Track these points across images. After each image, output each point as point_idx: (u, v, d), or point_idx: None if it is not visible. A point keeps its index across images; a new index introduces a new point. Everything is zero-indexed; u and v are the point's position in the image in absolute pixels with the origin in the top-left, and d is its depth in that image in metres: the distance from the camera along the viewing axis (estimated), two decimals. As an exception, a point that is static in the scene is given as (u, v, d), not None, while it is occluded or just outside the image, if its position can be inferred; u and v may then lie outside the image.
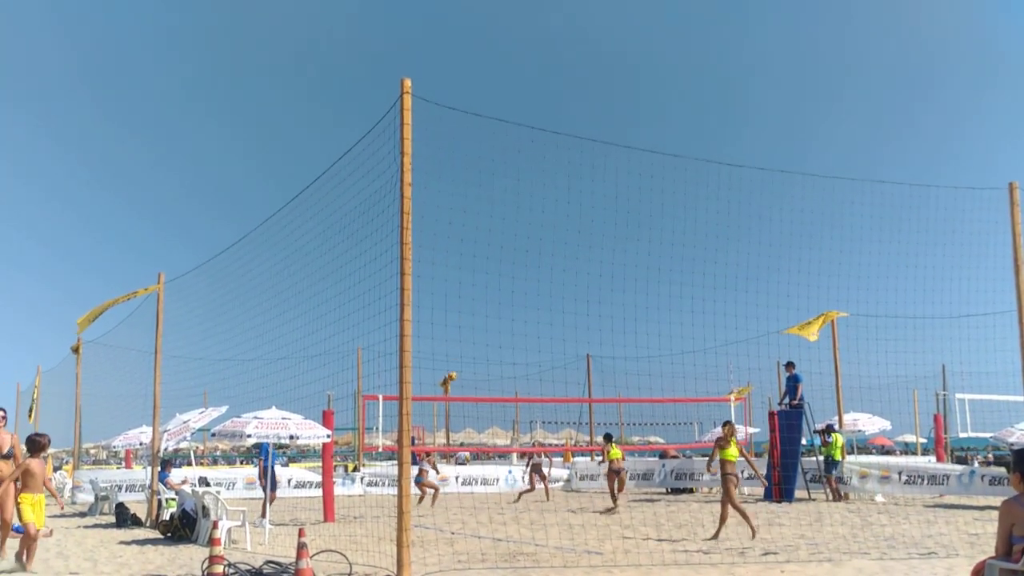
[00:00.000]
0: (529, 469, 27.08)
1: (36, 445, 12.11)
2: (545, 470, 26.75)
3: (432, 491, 23.69)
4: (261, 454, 19.51)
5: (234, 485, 26.94)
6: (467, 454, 39.51)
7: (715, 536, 14.73)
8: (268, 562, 11.67)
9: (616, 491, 22.04)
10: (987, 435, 29.74)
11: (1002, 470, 22.42)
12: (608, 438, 23.49)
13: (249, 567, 11.39)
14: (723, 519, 15.08)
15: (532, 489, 26.01)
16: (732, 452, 15.33)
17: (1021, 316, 16.74)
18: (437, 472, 25.75)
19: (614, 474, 22.22)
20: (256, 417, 16.43)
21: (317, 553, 11.77)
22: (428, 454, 25.82)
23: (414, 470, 25.86)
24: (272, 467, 19.89)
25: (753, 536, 14.42)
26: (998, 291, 17.29)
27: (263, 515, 17.27)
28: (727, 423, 15.97)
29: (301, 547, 10.22)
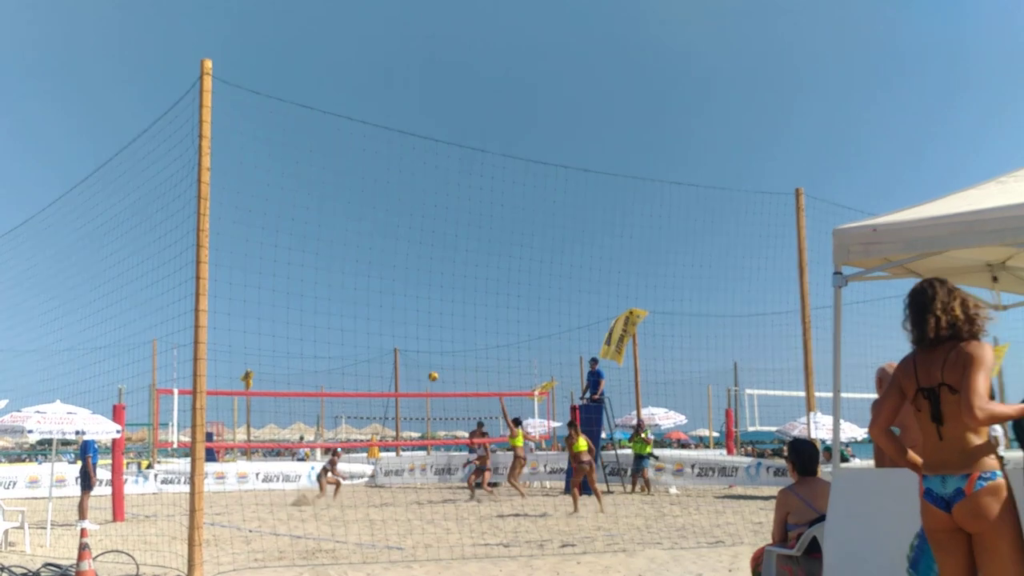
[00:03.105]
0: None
1: None
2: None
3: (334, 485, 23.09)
4: (89, 451, 18.49)
5: (15, 484, 25.36)
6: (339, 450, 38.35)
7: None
8: (47, 565, 11.01)
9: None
10: (773, 428, 31.48)
11: (783, 461, 23.73)
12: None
13: (25, 571, 10.70)
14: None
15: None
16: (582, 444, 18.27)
17: (804, 315, 17.78)
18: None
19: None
20: (38, 411, 15.41)
21: (101, 554, 11.19)
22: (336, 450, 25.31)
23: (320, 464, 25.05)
24: (96, 464, 18.89)
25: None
26: (786, 291, 18.35)
27: (82, 516, 16.59)
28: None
29: (83, 548, 9.68)
